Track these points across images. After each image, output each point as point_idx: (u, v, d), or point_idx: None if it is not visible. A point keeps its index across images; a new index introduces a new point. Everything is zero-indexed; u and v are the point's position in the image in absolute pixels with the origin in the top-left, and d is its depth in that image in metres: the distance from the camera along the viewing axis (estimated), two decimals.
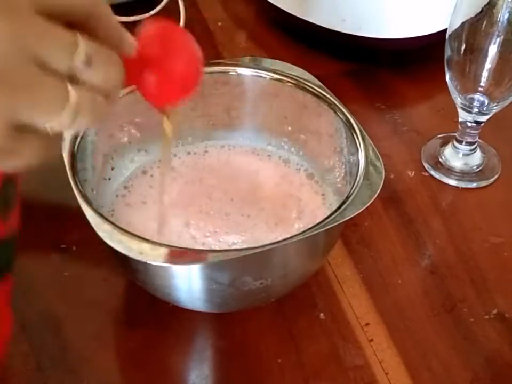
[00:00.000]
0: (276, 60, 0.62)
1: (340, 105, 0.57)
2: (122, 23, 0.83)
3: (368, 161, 0.52)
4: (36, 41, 0.27)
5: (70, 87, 0.28)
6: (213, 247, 0.54)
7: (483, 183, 0.68)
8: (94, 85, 0.29)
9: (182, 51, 0.35)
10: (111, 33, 0.30)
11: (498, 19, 0.60)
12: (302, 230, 0.50)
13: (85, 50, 0.28)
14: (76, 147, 0.51)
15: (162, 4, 0.83)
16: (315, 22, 0.78)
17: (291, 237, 0.47)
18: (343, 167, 0.57)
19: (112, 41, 0.30)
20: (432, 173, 0.68)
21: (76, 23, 0.29)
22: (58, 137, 0.29)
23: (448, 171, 0.68)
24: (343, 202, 0.49)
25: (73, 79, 0.28)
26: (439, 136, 0.72)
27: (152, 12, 0.85)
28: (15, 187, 0.32)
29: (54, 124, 0.28)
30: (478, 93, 0.65)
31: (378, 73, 0.80)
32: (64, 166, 0.50)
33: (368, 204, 0.48)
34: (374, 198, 0.49)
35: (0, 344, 0.35)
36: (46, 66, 0.27)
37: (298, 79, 0.59)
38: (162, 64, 0.33)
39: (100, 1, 0.30)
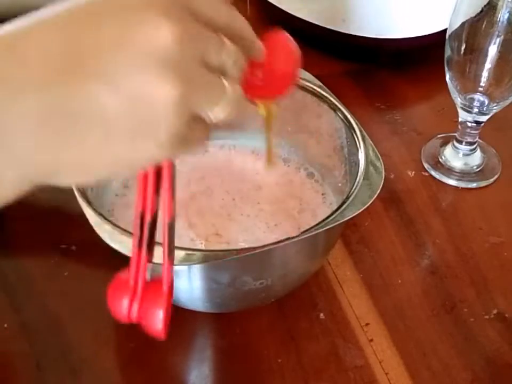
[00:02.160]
0: None
1: (339, 105, 0.57)
2: None
3: (368, 161, 0.52)
4: (208, 43, 0.32)
5: (225, 81, 0.33)
6: (213, 247, 0.54)
7: (483, 183, 0.68)
8: (236, 79, 0.34)
9: (282, 52, 0.40)
10: (244, 36, 0.35)
11: (498, 19, 0.60)
12: (302, 229, 0.50)
13: (230, 49, 0.33)
14: None
15: None
16: (315, 22, 0.78)
17: (291, 237, 0.47)
18: (343, 166, 0.57)
19: (245, 44, 0.35)
20: (432, 173, 0.68)
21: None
22: (211, 128, 0.34)
23: (448, 171, 0.68)
24: (343, 202, 0.49)
25: (224, 73, 0.33)
26: (439, 136, 0.72)
27: None
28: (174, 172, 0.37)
29: (218, 113, 0.33)
30: (478, 93, 0.65)
31: (378, 73, 0.80)
32: None
33: (368, 204, 0.48)
34: (374, 198, 0.49)
35: None
36: (209, 65, 0.32)
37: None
38: (265, 64, 0.37)
39: (237, 15, 0.36)
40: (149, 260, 0.38)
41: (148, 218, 0.37)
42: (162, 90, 0.30)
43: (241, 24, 0.36)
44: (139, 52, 0.30)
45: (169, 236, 0.37)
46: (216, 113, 0.33)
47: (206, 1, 0.33)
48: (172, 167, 0.36)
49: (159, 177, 0.36)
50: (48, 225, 0.59)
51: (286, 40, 0.41)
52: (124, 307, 0.38)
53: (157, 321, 0.37)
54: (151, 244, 0.38)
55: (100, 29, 0.30)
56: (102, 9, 0.31)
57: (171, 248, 0.38)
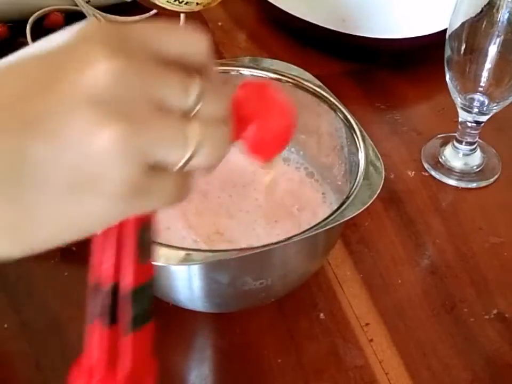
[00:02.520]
0: (276, 60, 0.62)
1: (339, 105, 0.57)
2: (122, 22, 0.83)
3: (368, 161, 0.52)
4: (155, 81, 0.28)
5: (188, 121, 0.29)
6: (215, 246, 0.54)
7: (483, 183, 0.68)
8: (208, 118, 0.29)
9: (277, 109, 0.37)
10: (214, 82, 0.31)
11: (498, 19, 0.60)
12: (302, 227, 0.50)
13: (198, 89, 0.29)
14: None
15: None
16: (315, 22, 0.78)
17: (291, 237, 0.47)
18: (343, 165, 0.57)
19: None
20: (432, 173, 0.68)
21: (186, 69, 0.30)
22: (190, 177, 0.30)
23: (448, 171, 0.68)
24: (343, 202, 0.49)
25: (188, 115, 0.29)
26: (439, 136, 0.72)
27: (152, 12, 0.85)
28: (152, 231, 0.32)
29: (180, 160, 0.29)
30: (478, 93, 0.65)
31: (378, 73, 0.80)
32: None
33: (368, 204, 0.48)
34: (374, 198, 0.49)
35: None
36: (163, 105, 0.28)
37: (298, 79, 0.59)
38: (260, 123, 0.35)
39: (210, 54, 0.31)
40: (111, 337, 0.32)
41: (105, 286, 0.32)
42: (100, 134, 0.26)
43: (211, 69, 0.31)
44: (70, 93, 0.26)
45: (132, 306, 0.32)
46: (181, 159, 0.29)
47: (169, 34, 0.29)
48: (139, 225, 0.31)
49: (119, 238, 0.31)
50: None
51: (273, 92, 0.37)
52: None
53: None
54: (113, 318, 0.32)
55: (28, 74, 0.27)
56: (36, 54, 0.28)
57: (137, 320, 0.33)
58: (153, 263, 0.33)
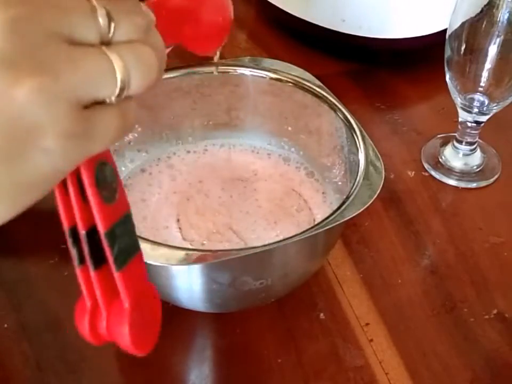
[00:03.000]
0: (276, 60, 0.62)
1: (339, 105, 0.57)
2: None
3: (368, 161, 0.52)
4: (54, 17, 0.26)
5: (107, 51, 0.27)
6: (215, 246, 0.54)
7: (483, 183, 0.68)
8: (128, 39, 0.27)
9: (210, 3, 0.35)
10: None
11: (498, 19, 0.60)
12: (302, 227, 0.50)
13: (104, 10, 0.27)
14: None
15: None
16: (315, 22, 0.78)
17: (291, 237, 0.47)
18: (343, 165, 0.57)
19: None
20: (432, 173, 0.68)
21: None
22: (131, 103, 0.28)
23: (448, 171, 0.68)
24: (343, 202, 0.49)
25: (104, 42, 0.27)
26: (439, 136, 0.72)
27: None
28: (112, 167, 0.31)
29: (114, 92, 0.27)
30: (478, 93, 0.65)
31: (378, 73, 0.80)
32: None
33: (368, 204, 0.48)
34: (374, 198, 0.49)
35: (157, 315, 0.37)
36: (75, 41, 0.26)
37: (298, 79, 0.59)
38: (193, 17, 0.33)
39: None
40: (101, 274, 0.33)
41: (81, 231, 0.31)
42: (18, 93, 0.25)
43: None
44: None
45: (111, 247, 0.32)
46: (113, 91, 0.27)
47: None
48: (94, 167, 0.30)
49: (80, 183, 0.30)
50: (48, 225, 0.59)
51: None
52: (87, 329, 0.34)
53: (124, 338, 0.33)
54: (99, 256, 0.33)
55: None
56: None
57: (122, 258, 0.33)
58: (124, 198, 0.32)
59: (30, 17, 0.25)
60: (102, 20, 0.27)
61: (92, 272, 0.33)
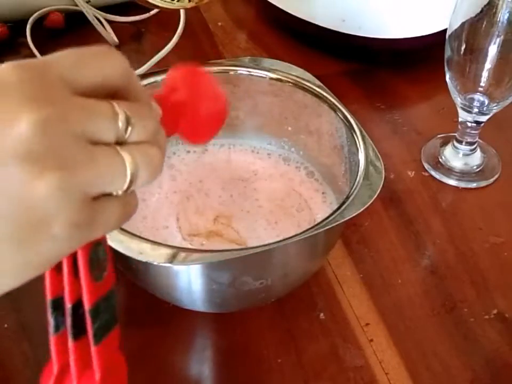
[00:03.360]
0: (276, 60, 0.62)
1: (339, 105, 0.57)
2: (122, 22, 0.83)
3: (368, 161, 0.52)
4: (80, 120, 0.28)
5: (121, 151, 0.29)
6: (215, 246, 0.54)
7: (483, 183, 0.68)
8: (139, 141, 0.30)
9: (207, 94, 0.38)
10: (139, 97, 0.32)
11: (498, 19, 0.60)
12: (302, 227, 0.50)
13: (124, 115, 0.30)
14: None
15: None
16: (315, 22, 0.78)
17: (291, 237, 0.47)
18: (343, 165, 0.57)
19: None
20: (432, 173, 0.68)
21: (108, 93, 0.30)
22: (133, 197, 0.31)
23: (448, 171, 0.68)
24: (343, 202, 0.49)
25: (119, 142, 0.30)
26: (439, 136, 0.72)
27: (152, 12, 0.85)
28: (104, 247, 0.34)
29: (122, 188, 0.30)
30: (478, 93, 0.65)
31: (378, 73, 0.80)
32: None
33: (368, 204, 0.48)
34: (374, 198, 0.49)
35: None
36: (94, 140, 0.29)
37: (298, 79, 0.59)
38: (193, 110, 0.36)
39: (130, 71, 0.31)
40: (78, 344, 0.35)
41: (67, 304, 0.34)
42: (37, 186, 0.27)
43: (134, 84, 0.32)
44: None
45: (93, 323, 0.34)
46: (121, 187, 0.30)
47: (88, 60, 0.30)
48: (90, 249, 0.32)
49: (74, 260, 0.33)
50: None
51: (202, 77, 0.38)
52: None
53: None
54: (80, 328, 0.34)
55: None
56: None
57: (100, 333, 0.34)
58: (111, 275, 0.34)
59: (59, 119, 0.28)
60: (121, 124, 0.30)
61: (71, 343, 0.34)
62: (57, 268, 0.33)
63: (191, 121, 0.36)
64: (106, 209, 0.30)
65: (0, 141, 0.27)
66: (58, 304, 0.34)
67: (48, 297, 0.35)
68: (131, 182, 0.30)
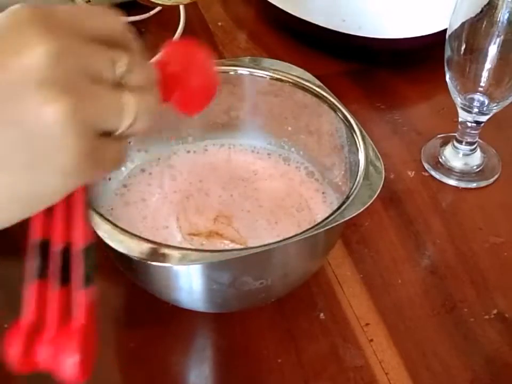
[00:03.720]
0: (276, 60, 0.62)
1: (339, 105, 0.57)
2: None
3: (368, 161, 0.52)
4: (88, 56, 0.30)
5: (123, 93, 0.31)
6: (215, 246, 0.54)
7: (483, 183, 0.68)
8: (138, 86, 0.32)
9: (200, 68, 0.39)
10: (137, 53, 0.34)
11: (498, 19, 0.60)
12: (302, 227, 0.50)
13: (124, 59, 0.32)
14: None
15: None
16: (315, 22, 0.78)
17: (291, 237, 0.47)
18: (343, 165, 0.57)
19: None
20: (432, 173, 0.68)
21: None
22: (126, 147, 0.33)
23: (448, 171, 0.68)
24: (343, 202, 0.49)
25: (120, 85, 0.32)
26: (439, 136, 0.72)
27: (152, 12, 0.85)
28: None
29: (124, 126, 0.32)
30: (478, 93, 0.65)
31: (378, 73, 0.80)
32: None
33: (368, 204, 0.48)
34: (374, 198, 0.49)
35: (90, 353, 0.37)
36: (98, 79, 0.31)
37: (298, 79, 0.59)
38: (186, 82, 0.38)
39: (129, 29, 0.33)
40: (62, 293, 0.34)
41: (58, 247, 0.34)
42: (48, 110, 0.28)
43: (132, 42, 0.34)
44: (14, 75, 0.28)
45: (85, 263, 0.34)
46: (123, 125, 0.32)
47: (89, 15, 0.32)
48: (86, 190, 0.33)
49: (68, 202, 0.33)
50: None
51: (197, 51, 0.40)
52: (19, 352, 0.34)
53: (70, 359, 0.33)
54: (66, 277, 0.34)
55: None
56: None
57: (87, 278, 0.34)
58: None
59: (70, 52, 0.29)
60: (121, 68, 0.32)
61: (56, 290, 0.34)
62: (47, 211, 0.33)
63: (183, 92, 0.38)
64: (107, 148, 0.31)
65: (17, 68, 0.28)
66: (43, 248, 0.34)
67: (36, 238, 0.34)
68: (130, 123, 0.32)
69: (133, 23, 0.85)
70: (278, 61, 0.62)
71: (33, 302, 0.34)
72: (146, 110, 0.32)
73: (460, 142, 0.69)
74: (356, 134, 0.54)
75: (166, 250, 0.45)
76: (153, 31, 0.84)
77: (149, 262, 0.45)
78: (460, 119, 0.67)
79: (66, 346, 0.33)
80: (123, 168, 0.59)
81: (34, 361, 0.33)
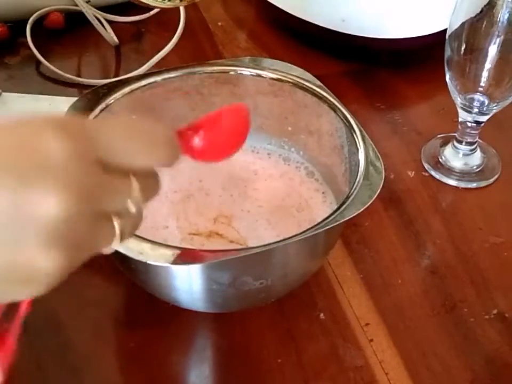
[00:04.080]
0: (276, 60, 0.62)
1: (339, 105, 0.57)
2: (122, 23, 0.83)
3: (368, 161, 0.52)
4: (102, 202, 0.31)
5: (115, 222, 0.32)
6: (215, 246, 0.54)
7: (483, 183, 0.68)
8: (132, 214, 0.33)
9: (221, 114, 0.41)
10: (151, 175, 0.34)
11: (498, 19, 0.60)
12: (302, 227, 0.50)
13: (136, 196, 0.32)
14: None
15: None
16: (315, 22, 0.78)
17: (291, 237, 0.47)
18: (343, 165, 0.57)
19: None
20: (432, 173, 0.68)
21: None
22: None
23: (448, 171, 0.68)
24: (343, 202, 0.49)
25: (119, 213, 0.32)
26: (439, 136, 0.72)
27: (152, 12, 0.85)
28: None
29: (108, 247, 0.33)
30: (478, 93, 0.65)
31: (378, 73, 0.80)
32: None
33: (368, 204, 0.48)
34: (374, 198, 0.49)
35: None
36: (101, 211, 0.31)
37: (298, 79, 0.59)
38: (206, 130, 0.40)
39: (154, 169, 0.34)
40: None
41: None
42: (36, 259, 0.29)
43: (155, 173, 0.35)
44: (22, 225, 0.28)
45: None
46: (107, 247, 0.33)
47: (120, 144, 0.32)
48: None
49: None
50: None
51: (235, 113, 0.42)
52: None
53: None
54: None
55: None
56: None
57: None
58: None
59: (83, 205, 0.30)
60: (132, 203, 0.32)
61: None
62: None
63: (203, 143, 0.40)
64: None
65: (24, 219, 0.28)
66: None
67: None
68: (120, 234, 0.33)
69: (133, 23, 0.85)
70: (278, 61, 0.62)
71: None
72: (133, 230, 0.34)
73: (460, 142, 0.69)
74: (355, 134, 0.54)
75: (166, 250, 0.45)
76: (153, 31, 0.84)
77: (148, 262, 0.45)
78: (460, 119, 0.67)
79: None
80: None
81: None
